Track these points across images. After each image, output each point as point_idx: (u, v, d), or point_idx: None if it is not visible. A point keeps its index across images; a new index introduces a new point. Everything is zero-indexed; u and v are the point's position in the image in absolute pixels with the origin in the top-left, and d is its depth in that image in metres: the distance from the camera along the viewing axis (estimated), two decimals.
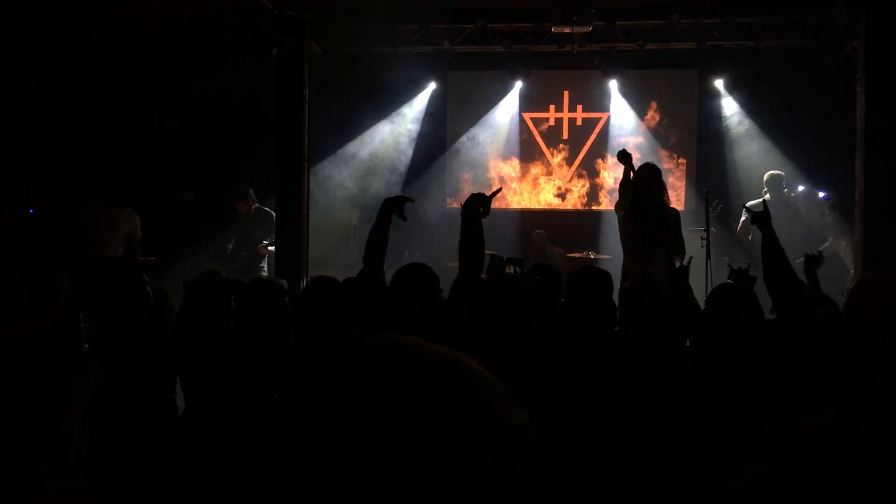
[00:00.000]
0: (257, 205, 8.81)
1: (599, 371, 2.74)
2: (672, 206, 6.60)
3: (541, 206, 11.38)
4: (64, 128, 8.56)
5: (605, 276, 3.75)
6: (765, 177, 9.07)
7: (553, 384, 2.70)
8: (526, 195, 11.45)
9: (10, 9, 7.49)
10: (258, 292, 3.61)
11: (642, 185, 6.39)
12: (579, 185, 11.29)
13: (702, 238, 7.27)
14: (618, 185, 6.86)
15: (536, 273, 4.30)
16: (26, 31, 7.96)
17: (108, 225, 7.81)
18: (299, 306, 3.36)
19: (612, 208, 6.88)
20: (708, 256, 7.09)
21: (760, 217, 4.09)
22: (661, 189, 6.44)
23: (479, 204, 3.91)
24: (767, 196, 8.96)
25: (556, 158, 11.36)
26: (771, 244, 3.92)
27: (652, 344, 3.24)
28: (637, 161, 6.71)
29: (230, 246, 8.80)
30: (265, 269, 8.60)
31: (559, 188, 11.35)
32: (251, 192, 8.74)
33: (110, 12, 8.11)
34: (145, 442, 3.59)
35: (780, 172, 9.08)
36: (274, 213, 8.67)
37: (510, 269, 4.41)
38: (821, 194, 9.55)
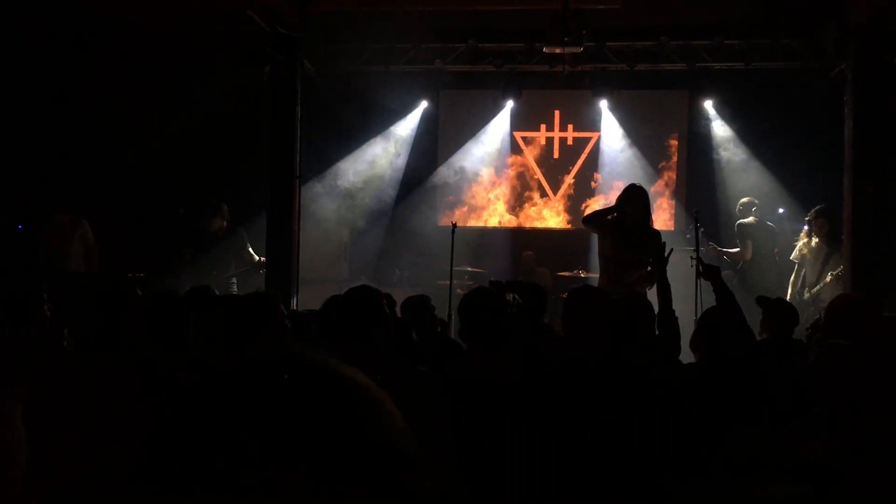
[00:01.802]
0: (227, 223, 8.39)
1: (600, 387, 2.75)
2: (656, 226, 6.69)
3: (531, 225, 11.40)
4: (56, 141, 8.55)
5: (601, 295, 3.78)
6: (740, 202, 9.24)
7: (553, 401, 2.71)
8: (516, 214, 11.47)
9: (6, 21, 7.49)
10: (261, 307, 3.60)
11: (627, 207, 6.44)
12: (569, 204, 11.32)
13: (691, 258, 7.28)
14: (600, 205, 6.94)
15: (527, 294, 4.35)
16: (22, 44, 7.96)
17: (60, 233, 7.73)
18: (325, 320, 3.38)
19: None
20: (698, 276, 7.10)
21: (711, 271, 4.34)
22: (645, 211, 6.48)
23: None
24: (751, 217, 9.06)
25: (547, 177, 11.40)
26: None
27: (647, 358, 3.27)
28: (624, 181, 6.82)
29: (187, 257, 8.21)
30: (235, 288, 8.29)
31: (549, 207, 11.39)
32: (224, 207, 8.33)
33: (104, 29, 8.12)
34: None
35: (753, 199, 9.32)
36: (244, 233, 8.40)
37: (510, 297, 4.44)
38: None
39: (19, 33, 7.82)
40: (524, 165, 11.47)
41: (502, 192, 11.52)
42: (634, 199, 6.46)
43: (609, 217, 6.58)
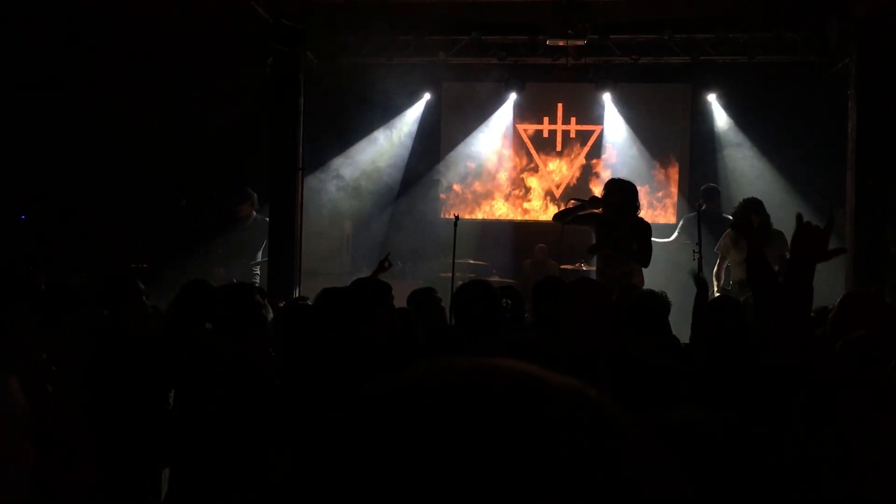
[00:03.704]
0: (256, 212, 8.53)
1: (608, 382, 2.75)
2: (660, 220, 6.74)
3: (533, 218, 11.40)
4: (59, 132, 8.56)
5: (602, 287, 3.79)
6: (701, 189, 9.18)
7: None
8: (519, 207, 11.48)
9: (9, 16, 7.50)
10: (248, 300, 3.63)
11: (607, 202, 6.52)
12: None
13: (694, 251, 7.29)
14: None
15: (504, 296, 4.40)
16: (25, 38, 7.97)
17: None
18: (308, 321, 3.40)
19: None
20: (700, 269, 7.11)
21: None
22: (626, 204, 6.50)
23: None
24: (704, 207, 9.05)
25: (550, 170, 11.40)
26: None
27: (656, 352, 3.28)
28: (626, 175, 6.86)
29: (220, 251, 8.46)
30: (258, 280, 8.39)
31: (551, 200, 11.39)
32: (255, 196, 8.47)
33: (106, 24, 8.12)
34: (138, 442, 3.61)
35: (714, 185, 9.24)
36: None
37: (505, 302, 4.47)
38: None
39: (19, 30, 7.82)
40: (527, 158, 11.46)
41: (505, 184, 11.51)
42: (614, 193, 6.54)
43: (592, 212, 6.67)
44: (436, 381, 0.61)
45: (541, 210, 11.41)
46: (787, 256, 6.89)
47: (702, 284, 4.78)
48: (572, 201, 6.90)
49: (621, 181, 6.76)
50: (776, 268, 6.95)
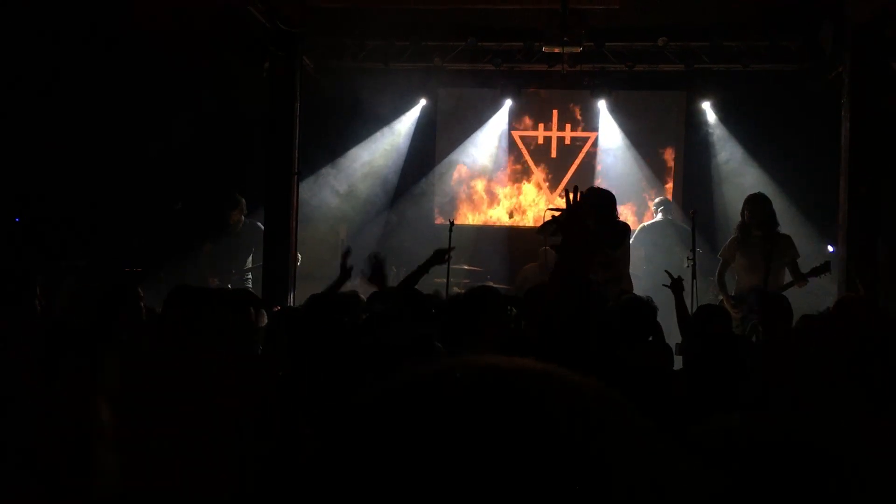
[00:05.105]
0: (245, 217, 8.56)
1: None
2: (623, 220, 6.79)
3: (528, 224, 11.41)
4: (55, 135, 8.54)
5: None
6: (654, 201, 9.27)
7: None
8: (514, 212, 11.49)
9: (7, 18, 7.49)
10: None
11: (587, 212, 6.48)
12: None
13: (688, 258, 7.31)
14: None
15: (508, 304, 4.42)
16: (20, 38, 7.96)
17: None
18: (302, 325, 3.41)
19: None
20: (693, 277, 7.12)
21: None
22: (602, 212, 6.46)
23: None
24: (660, 216, 9.10)
25: (544, 177, 11.42)
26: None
27: (648, 359, 3.30)
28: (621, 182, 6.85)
29: (206, 250, 8.49)
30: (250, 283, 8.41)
31: (546, 206, 11.40)
32: (243, 201, 8.51)
33: (103, 24, 8.12)
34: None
35: (667, 198, 9.52)
36: (262, 227, 8.57)
37: (510, 310, 4.48)
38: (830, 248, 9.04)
39: (18, 31, 7.82)
40: (522, 164, 11.48)
41: (499, 190, 11.52)
42: (592, 202, 6.51)
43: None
44: (458, 378, 0.61)
45: (535, 216, 11.42)
46: (796, 260, 6.95)
47: (677, 289, 4.81)
48: (549, 213, 6.84)
49: (599, 190, 6.75)
50: (785, 271, 6.99)
